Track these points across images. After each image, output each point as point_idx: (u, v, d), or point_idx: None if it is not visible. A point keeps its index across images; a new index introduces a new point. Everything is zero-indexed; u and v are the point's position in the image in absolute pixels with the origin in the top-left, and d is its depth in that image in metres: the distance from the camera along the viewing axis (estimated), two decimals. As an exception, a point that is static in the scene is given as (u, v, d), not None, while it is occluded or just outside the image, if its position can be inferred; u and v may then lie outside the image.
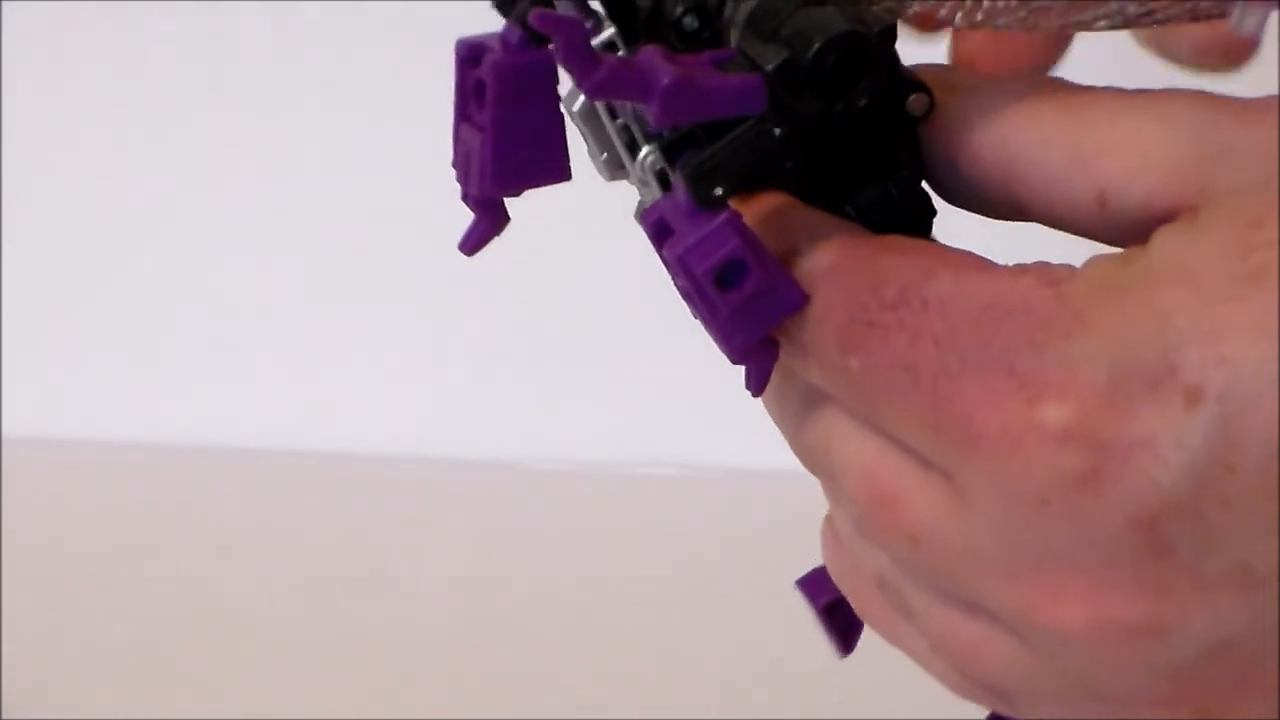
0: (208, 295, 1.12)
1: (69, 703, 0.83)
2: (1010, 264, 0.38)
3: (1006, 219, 0.41)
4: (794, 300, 0.40)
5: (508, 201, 0.44)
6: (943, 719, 0.77)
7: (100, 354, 1.12)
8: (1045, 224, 0.40)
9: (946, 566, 0.39)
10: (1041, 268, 0.38)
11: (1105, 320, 0.36)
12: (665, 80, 0.37)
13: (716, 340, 0.41)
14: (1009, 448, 0.36)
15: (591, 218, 1.08)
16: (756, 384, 0.42)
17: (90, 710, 0.82)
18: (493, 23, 0.44)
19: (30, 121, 1.11)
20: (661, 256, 0.41)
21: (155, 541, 0.99)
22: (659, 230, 0.41)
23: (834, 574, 0.45)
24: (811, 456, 0.42)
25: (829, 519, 0.45)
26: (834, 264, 0.39)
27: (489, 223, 0.43)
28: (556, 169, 0.42)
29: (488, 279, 1.10)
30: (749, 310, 0.40)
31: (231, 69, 1.10)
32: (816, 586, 0.48)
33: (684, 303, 0.41)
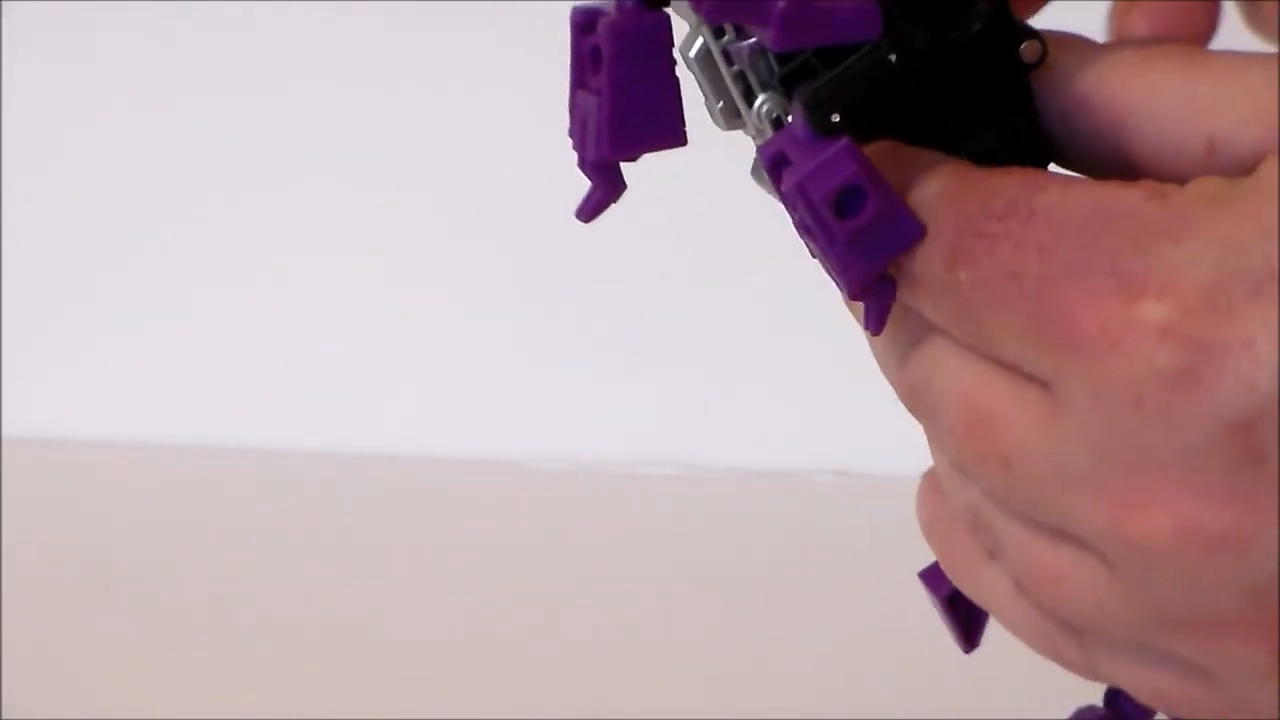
0: (208, 295, 1.12)
1: (69, 703, 0.83)
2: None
3: (1109, 176, 0.42)
4: (912, 232, 0.40)
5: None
6: (942, 719, 0.77)
7: (100, 354, 1.12)
8: (1149, 175, 0.41)
9: (1036, 489, 0.39)
10: (1148, 182, 0.39)
11: (1212, 226, 0.37)
12: (782, 2, 0.38)
13: (834, 274, 0.41)
14: (1107, 346, 0.37)
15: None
16: (875, 322, 0.42)
17: (90, 710, 0.82)
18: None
19: (31, 121, 1.11)
20: (779, 192, 0.41)
21: (155, 541, 0.99)
22: (776, 163, 0.41)
23: (925, 525, 0.46)
24: (914, 395, 0.43)
25: (928, 474, 0.46)
26: (944, 189, 0.40)
27: (606, 188, 0.44)
28: (672, 132, 0.43)
29: (488, 279, 1.10)
30: (867, 240, 0.40)
31: (232, 71, 1.10)
32: (938, 578, 0.48)
33: (802, 240, 0.41)
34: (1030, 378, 0.39)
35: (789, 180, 0.40)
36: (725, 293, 1.07)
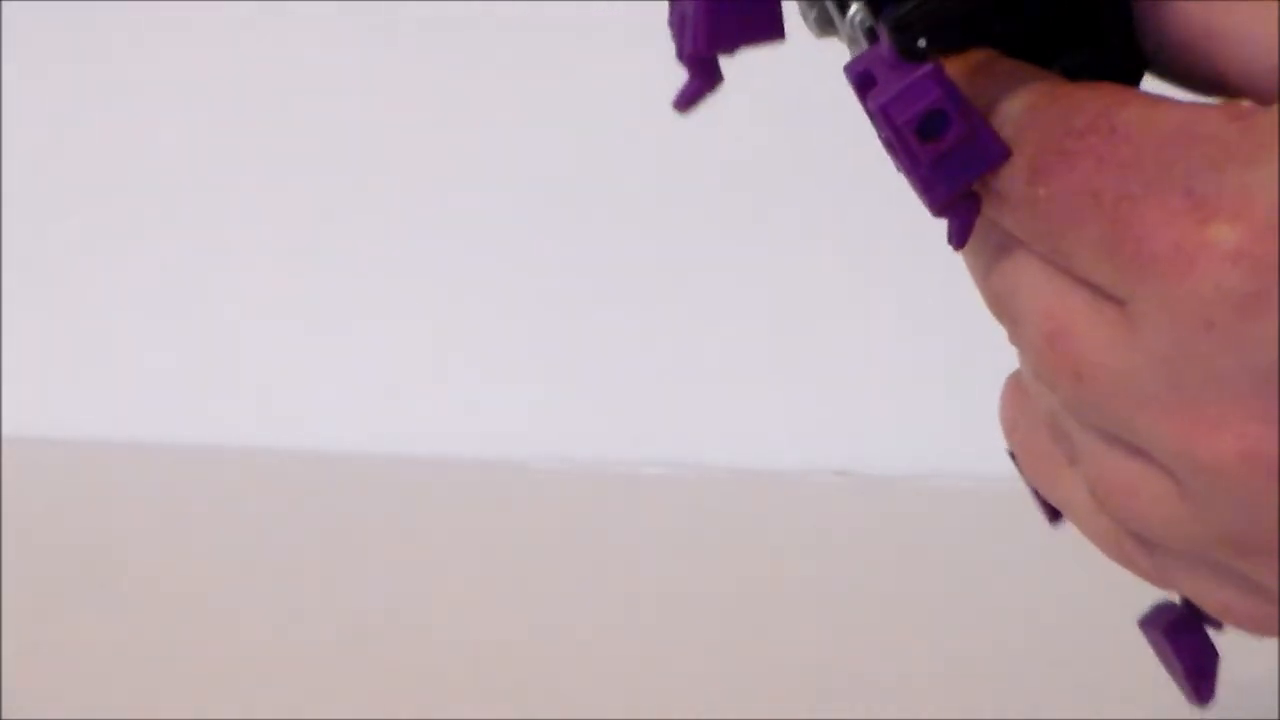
0: (207, 296, 1.12)
1: (69, 703, 0.83)
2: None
3: (1201, 91, 0.42)
4: (995, 154, 0.41)
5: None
6: (939, 718, 0.77)
7: (100, 354, 1.12)
8: (1237, 95, 0.41)
9: (1108, 403, 0.40)
10: (1232, 104, 0.39)
11: None
12: None
13: (918, 192, 0.42)
14: (1180, 267, 0.37)
15: (592, 217, 1.09)
16: (958, 238, 0.43)
17: (90, 710, 0.82)
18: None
19: (30, 121, 1.11)
20: (865, 108, 0.41)
21: (155, 541, 0.99)
22: (862, 81, 0.42)
23: (1007, 427, 0.47)
24: (999, 303, 0.44)
25: (1012, 376, 0.46)
26: (1030, 104, 0.41)
27: (702, 81, 0.44)
28: (769, 27, 0.43)
29: (488, 279, 1.10)
30: (950, 162, 0.41)
31: (230, 72, 1.10)
32: None
33: (887, 155, 0.42)
34: (1107, 295, 0.40)
35: (874, 102, 0.41)
36: (725, 294, 1.07)
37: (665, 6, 0.43)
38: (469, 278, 1.10)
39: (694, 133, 0.97)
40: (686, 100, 0.44)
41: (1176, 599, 0.47)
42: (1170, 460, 0.39)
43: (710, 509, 1.03)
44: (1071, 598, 0.83)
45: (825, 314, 1.05)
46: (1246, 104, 0.39)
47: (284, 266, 1.11)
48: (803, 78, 0.94)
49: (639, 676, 0.85)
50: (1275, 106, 0.38)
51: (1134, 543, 0.43)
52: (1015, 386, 0.46)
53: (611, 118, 1.00)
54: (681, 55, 0.43)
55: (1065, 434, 0.43)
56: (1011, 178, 0.41)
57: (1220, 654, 0.46)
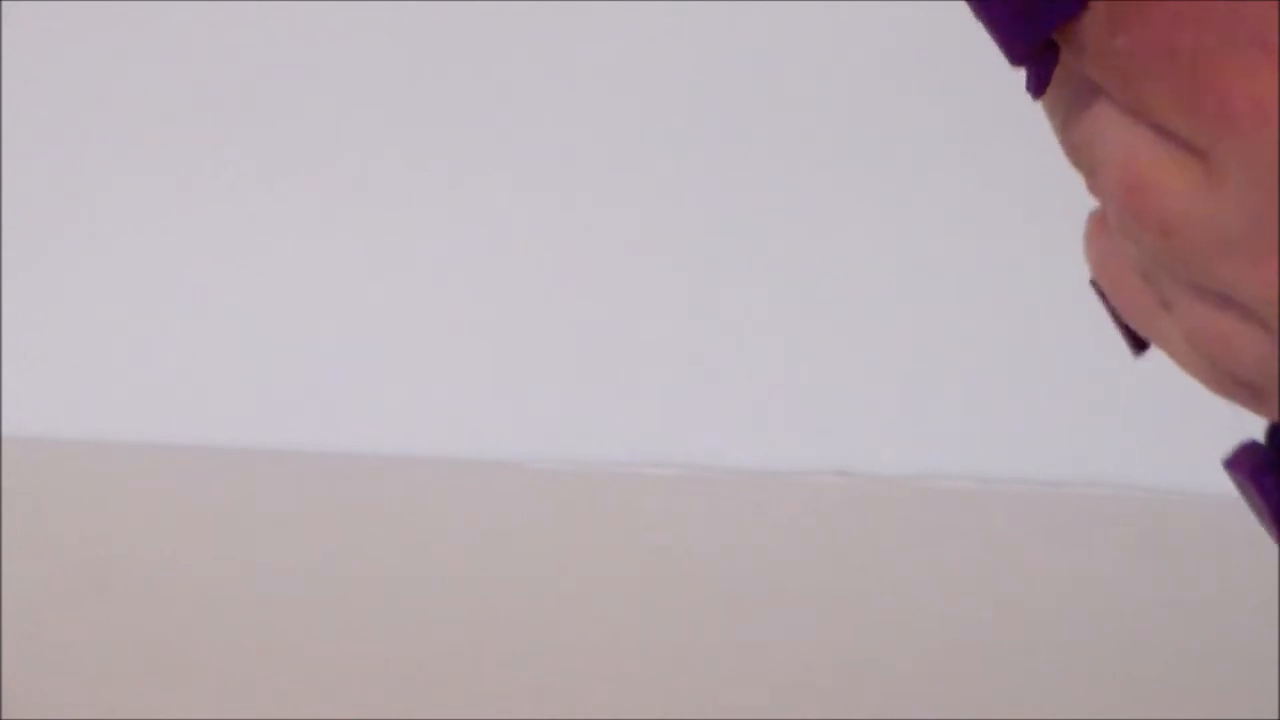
0: (208, 297, 1.12)
1: (69, 703, 0.83)
2: None
3: None
4: (1071, 4, 0.41)
5: None
6: (939, 717, 0.77)
7: (100, 354, 1.12)
8: None
9: (1195, 255, 0.41)
10: None
11: None
12: None
13: (999, 44, 0.42)
14: (1260, 120, 0.38)
15: (594, 220, 1.09)
16: (1037, 86, 0.43)
17: (90, 710, 0.82)
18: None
19: (31, 125, 1.11)
20: None
21: (154, 541, 0.99)
22: None
23: (1095, 265, 0.48)
24: (1078, 152, 0.44)
25: (1094, 214, 0.47)
26: None
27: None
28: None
29: (489, 281, 1.10)
30: (1027, 11, 0.41)
31: (229, 72, 1.10)
32: None
33: (967, 5, 0.43)
34: (1188, 146, 0.40)
35: None
36: (725, 295, 1.07)
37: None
38: (469, 279, 1.10)
39: (696, 138, 0.98)
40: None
41: (1262, 438, 0.47)
42: (1260, 308, 0.40)
43: (710, 509, 1.03)
44: (1070, 596, 0.83)
45: (826, 315, 1.05)
46: None
47: (284, 268, 1.11)
48: (803, 80, 0.94)
49: (639, 675, 0.85)
50: None
51: (1232, 380, 0.44)
52: (1100, 225, 0.47)
53: (617, 123, 1.00)
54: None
55: (1156, 281, 0.44)
56: (1091, 27, 0.41)
57: None
